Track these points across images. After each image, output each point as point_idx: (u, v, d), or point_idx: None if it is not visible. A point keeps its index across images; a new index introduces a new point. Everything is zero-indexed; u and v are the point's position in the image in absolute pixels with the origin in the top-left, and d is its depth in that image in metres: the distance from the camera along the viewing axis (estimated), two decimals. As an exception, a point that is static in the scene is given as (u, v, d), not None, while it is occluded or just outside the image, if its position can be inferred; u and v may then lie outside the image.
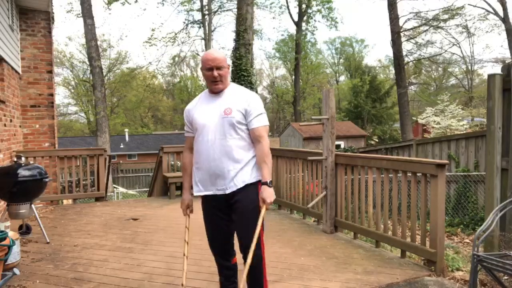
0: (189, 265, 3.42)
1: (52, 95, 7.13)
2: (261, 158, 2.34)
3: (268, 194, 2.29)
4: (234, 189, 2.33)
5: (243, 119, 2.33)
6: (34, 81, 6.97)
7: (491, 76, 3.62)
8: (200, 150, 2.37)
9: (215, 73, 2.32)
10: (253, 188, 2.37)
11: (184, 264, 2.41)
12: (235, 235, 2.47)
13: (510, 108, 3.52)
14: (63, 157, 6.45)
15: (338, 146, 19.11)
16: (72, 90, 40.00)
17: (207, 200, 2.43)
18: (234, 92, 2.42)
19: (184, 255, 2.43)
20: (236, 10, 11.47)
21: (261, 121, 2.36)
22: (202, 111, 2.39)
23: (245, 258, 2.34)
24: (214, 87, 2.36)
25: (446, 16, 19.89)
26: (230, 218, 2.41)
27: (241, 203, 2.35)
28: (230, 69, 2.33)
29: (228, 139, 2.31)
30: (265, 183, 2.31)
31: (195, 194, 2.45)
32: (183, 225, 2.53)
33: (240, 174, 2.33)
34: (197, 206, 2.49)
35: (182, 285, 2.37)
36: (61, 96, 41.48)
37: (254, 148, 2.38)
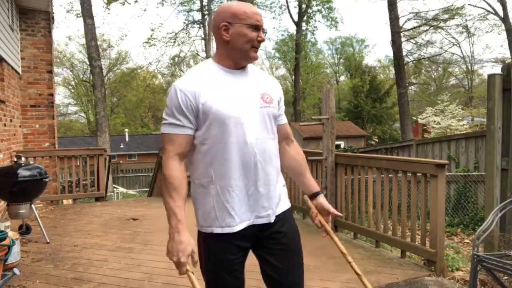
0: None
1: (52, 95, 7.13)
2: (304, 162, 1.73)
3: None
4: (275, 214, 1.61)
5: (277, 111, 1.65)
6: (34, 81, 6.97)
7: (491, 76, 3.63)
8: (230, 158, 1.49)
9: (262, 35, 1.54)
10: (291, 214, 1.71)
11: None
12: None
13: (510, 108, 3.52)
14: (63, 157, 6.45)
15: (338, 146, 19.12)
16: (72, 90, 40.00)
17: (231, 239, 1.53)
18: (256, 70, 1.67)
19: None
20: (236, 10, 11.45)
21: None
22: (228, 96, 1.50)
23: None
24: (254, 55, 1.54)
25: (446, 16, 19.90)
26: (244, 260, 1.62)
27: (284, 235, 1.61)
28: None
29: (271, 139, 1.59)
30: (322, 192, 1.73)
31: (226, 231, 1.52)
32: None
33: (283, 191, 1.67)
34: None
35: None
36: (61, 96, 41.42)
37: (281, 152, 1.72)
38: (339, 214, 1.73)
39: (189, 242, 1.46)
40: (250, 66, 1.63)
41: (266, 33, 1.60)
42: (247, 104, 1.52)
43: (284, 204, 1.65)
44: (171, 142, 1.50)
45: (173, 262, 1.46)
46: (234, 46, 1.51)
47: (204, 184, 1.53)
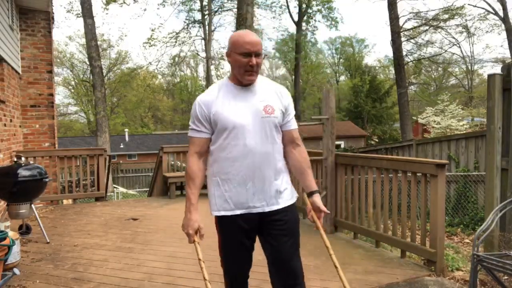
0: (189, 265, 3.43)
1: (52, 95, 7.13)
2: (306, 164, 2.02)
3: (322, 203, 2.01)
4: (276, 207, 1.94)
5: (282, 119, 1.96)
6: (34, 81, 6.98)
7: (491, 76, 3.63)
8: (233, 157, 1.87)
9: (254, 60, 1.84)
10: (294, 207, 2.02)
11: None
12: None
13: (510, 108, 3.52)
14: (63, 157, 6.45)
15: (338, 146, 19.11)
16: (72, 90, 39.98)
17: (232, 221, 1.92)
18: (265, 84, 1.99)
19: None
20: (236, 10, 11.47)
21: (295, 122, 2.06)
22: (234, 107, 1.87)
23: None
24: (249, 78, 1.87)
25: (446, 16, 19.87)
26: (253, 243, 2.01)
27: (284, 223, 1.94)
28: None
29: (270, 144, 1.91)
30: (318, 192, 2.03)
31: (221, 214, 1.93)
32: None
33: (283, 189, 1.97)
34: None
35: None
36: (61, 96, 41.42)
37: (287, 154, 2.03)
38: (327, 211, 2.04)
39: (196, 220, 1.90)
40: (258, 80, 1.95)
41: (266, 56, 1.95)
42: (250, 115, 1.87)
43: (287, 200, 1.98)
44: (192, 143, 1.95)
45: (185, 233, 1.92)
46: (234, 69, 1.90)
47: (211, 176, 1.96)
